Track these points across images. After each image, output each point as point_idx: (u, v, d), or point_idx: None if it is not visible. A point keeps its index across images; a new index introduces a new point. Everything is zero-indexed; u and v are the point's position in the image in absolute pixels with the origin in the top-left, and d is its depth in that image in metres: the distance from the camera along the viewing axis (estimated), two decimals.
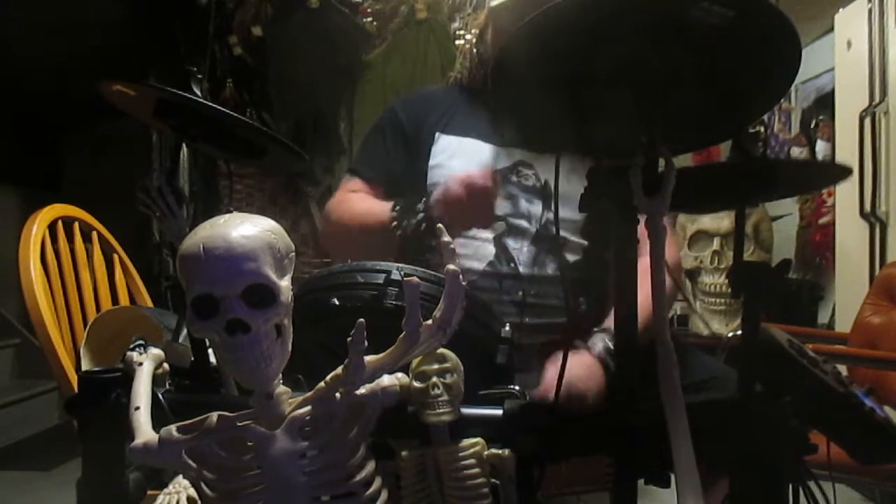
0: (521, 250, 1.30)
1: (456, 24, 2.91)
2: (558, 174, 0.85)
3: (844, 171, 0.84)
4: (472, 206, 1.13)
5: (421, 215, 1.17)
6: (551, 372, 1.11)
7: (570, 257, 1.32)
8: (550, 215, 1.32)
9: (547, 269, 1.30)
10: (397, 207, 1.21)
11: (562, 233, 1.31)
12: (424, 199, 1.19)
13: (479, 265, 1.28)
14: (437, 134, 1.39)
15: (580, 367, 1.09)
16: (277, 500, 0.61)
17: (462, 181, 1.13)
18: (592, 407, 1.08)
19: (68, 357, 1.22)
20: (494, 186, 1.15)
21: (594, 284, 1.32)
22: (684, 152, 0.85)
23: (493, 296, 1.26)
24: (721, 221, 2.88)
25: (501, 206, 1.30)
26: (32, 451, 3.01)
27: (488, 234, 1.29)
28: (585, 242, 1.33)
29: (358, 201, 1.37)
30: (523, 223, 1.32)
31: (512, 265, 1.29)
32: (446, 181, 1.17)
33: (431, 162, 1.37)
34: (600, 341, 1.15)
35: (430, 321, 0.61)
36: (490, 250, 1.29)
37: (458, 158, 1.35)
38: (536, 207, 1.33)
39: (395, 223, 1.19)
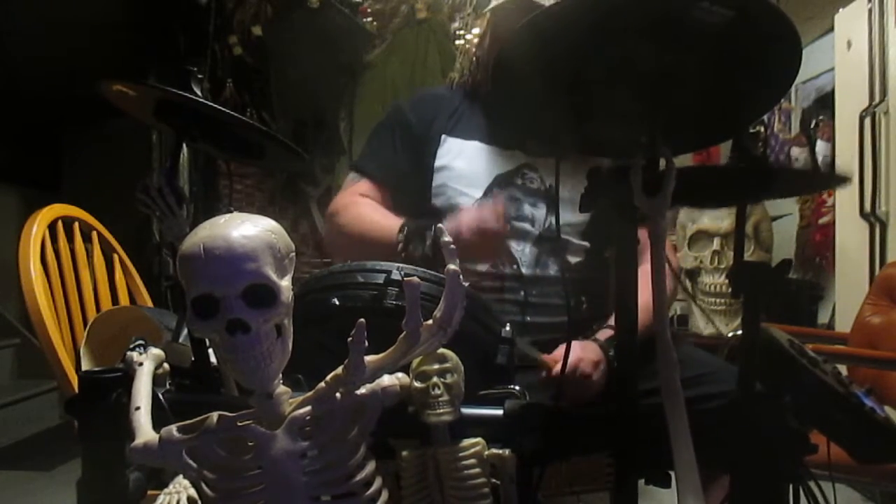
0: (523, 252, 1.31)
1: (456, 24, 2.90)
2: (559, 175, 0.86)
3: (843, 179, 0.85)
4: (483, 248, 1.13)
5: (429, 242, 1.14)
6: (560, 351, 1.16)
7: (572, 259, 1.33)
8: (554, 219, 1.33)
9: (549, 270, 1.31)
10: (405, 230, 1.19)
11: (564, 235, 1.32)
12: (433, 225, 1.14)
13: (482, 266, 1.29)
14: (443, 136, 1.39)
15: (586, 351, 1.16)
16: (277, 500, 0.61)
17: (474, 223, 1.11)
18: (597, 389, 1.15)
19: (68, 357, 1.22)
20: (505, 224, 1.14)
21: (595, 284, 1.33)
22: (685, 152, 0.85)
23: (495, 296, 1.27)
24: (721, 221, 2.88)
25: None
26: (32, 451, 3.00)
27: None
28: (587, 244, 1.34)
29: (367, 211, 1.35)
30: (526, 226, 1.33)
31: (514, 266, 1.30)
32: (458, 216, 1.15)
33: (437, 163, 1.38)
34: (605, 334, 1.21)
35: (430, 321, 0.61)
36: None
37: (463, 160, 1.36)
38: (540, 210, 1.34)
39: (400, 246, 1.17)
